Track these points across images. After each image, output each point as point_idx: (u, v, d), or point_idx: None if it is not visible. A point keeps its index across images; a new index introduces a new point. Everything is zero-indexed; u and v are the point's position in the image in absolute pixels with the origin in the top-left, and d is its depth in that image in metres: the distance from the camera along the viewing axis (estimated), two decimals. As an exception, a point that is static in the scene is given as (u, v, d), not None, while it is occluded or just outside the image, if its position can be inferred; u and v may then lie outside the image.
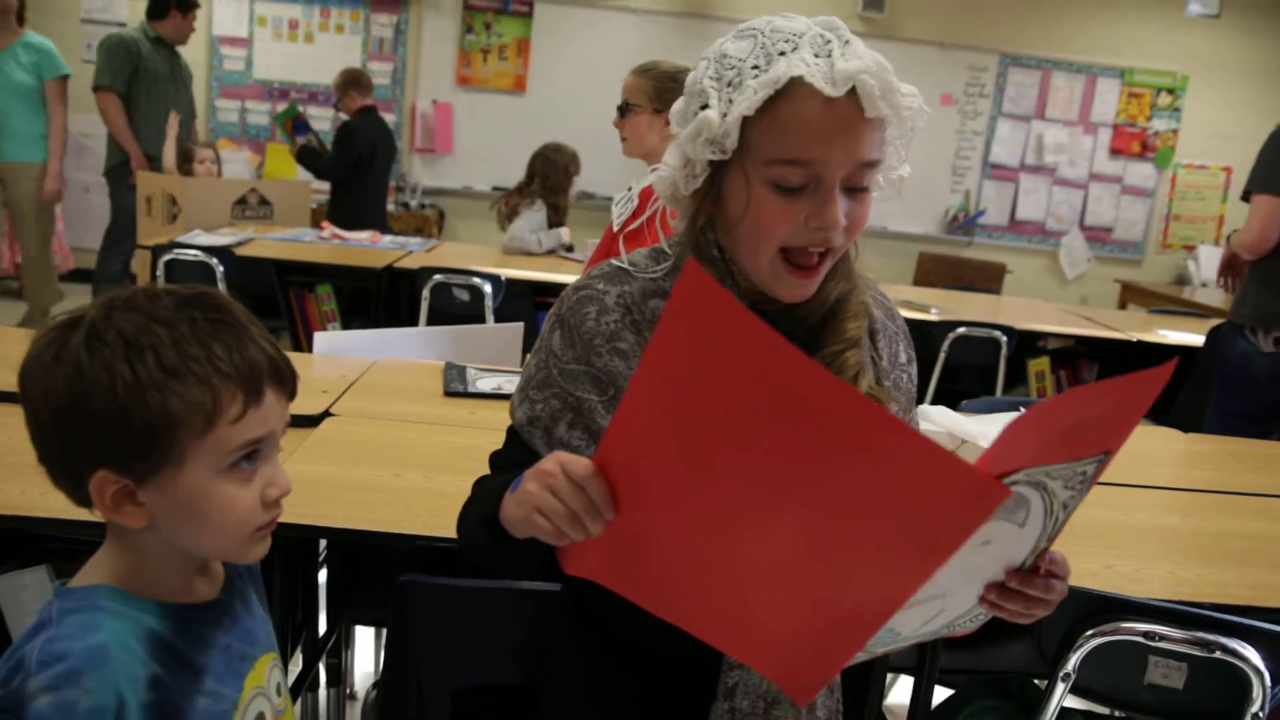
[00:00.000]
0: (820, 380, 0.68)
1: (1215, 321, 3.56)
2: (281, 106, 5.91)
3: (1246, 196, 2.99)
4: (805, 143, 0.93)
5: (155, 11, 4.83)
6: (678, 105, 1.03)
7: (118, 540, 0.88)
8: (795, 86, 0.92)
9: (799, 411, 0.70)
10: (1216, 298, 5.32)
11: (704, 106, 0.97)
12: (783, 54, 0.93)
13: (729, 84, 0.95)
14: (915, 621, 0.87)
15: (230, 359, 0.82)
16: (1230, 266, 3.15)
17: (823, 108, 0.92)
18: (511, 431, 1.12)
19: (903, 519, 0.70)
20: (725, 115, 0.94)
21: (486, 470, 1.16)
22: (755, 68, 0.94)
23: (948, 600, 0.87)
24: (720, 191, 1.00)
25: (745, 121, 0.94)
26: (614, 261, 1.10)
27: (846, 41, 0.95)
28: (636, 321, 1.04)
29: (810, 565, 0.77)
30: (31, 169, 4.68)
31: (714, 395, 0.74)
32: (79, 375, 0.79)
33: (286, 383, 0.88)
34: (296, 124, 5.10)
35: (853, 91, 0.91)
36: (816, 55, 0.93)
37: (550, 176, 4.31)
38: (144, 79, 4.79)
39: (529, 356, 1.11)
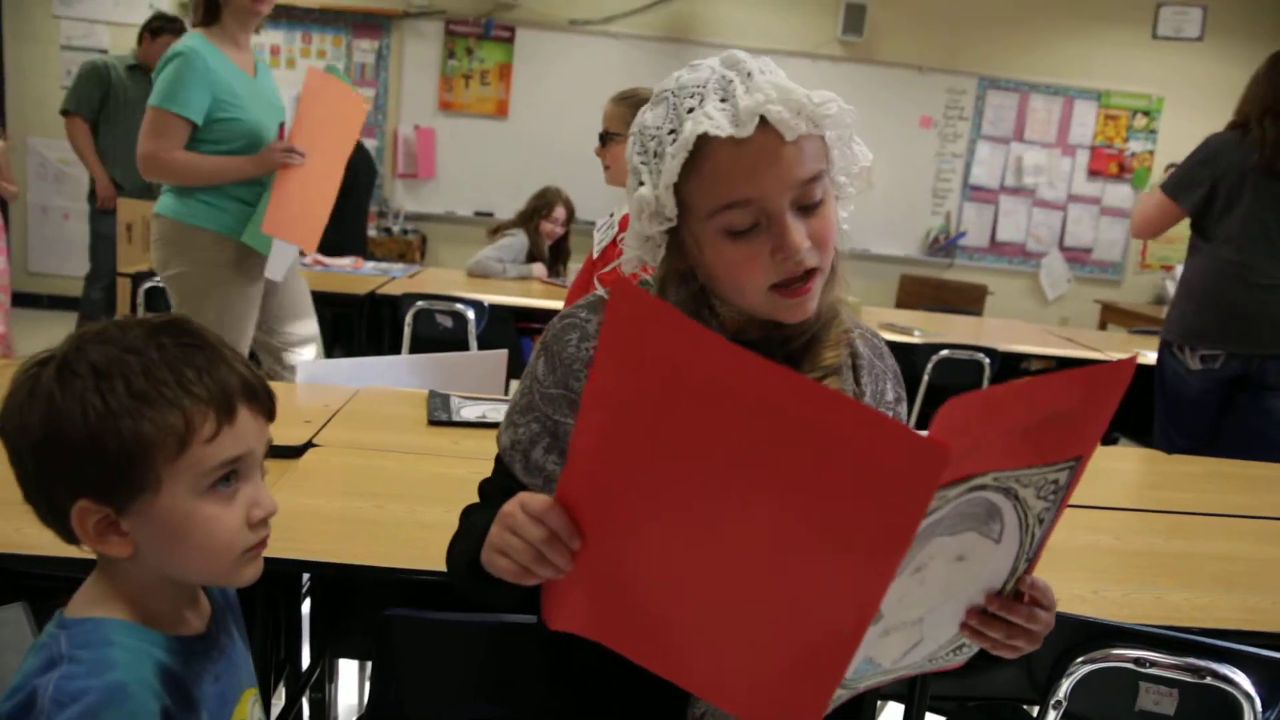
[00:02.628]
0: (755, 366, 0.68)
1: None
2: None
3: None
4: (734, 187, 0.94)
5: (139, 38, 4.84)
6: (629, 184, 1.06)
7: (112, 572, 0.87)
8: (705, 143, 0.94)
9: (742, 404, 0.71)
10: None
11: (640, 183, 1.00)
12: (690, 110, 0.95)
13: (654, 154, 0.98)
14: (895, 651, 0.86)
15: (201, 381, 0.83)
16: None
17: (737, 150, 0.93)
18: (498, 458, 1.13)
19: (856, 502, 0.69)
20: (656, 188, 0.97)
21: (470, 500, 1.16)
22: (672, 132, 0.96)
23: (926, 626, 0.86)
24: (683, 255, 1.03)
25: (676, 187, 0.96)
26: (599, 293, 1.12)
27: (749, 74, 0.95)
28: None
29: (778, 576, 0.76)
30: None
31: (661, 404, 0.75)
32: (52, 408, 0.80)
33: (262, 402, 0.88)
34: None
35: (764, 122, 0.92)
36: (723, 100, 0.94)
37: (528, 208, 4.50)
38: (114, 105, 4.79)
39: (517, 384, 1.13)
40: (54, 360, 0.82)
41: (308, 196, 2.89)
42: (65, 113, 4.79)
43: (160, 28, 4.78)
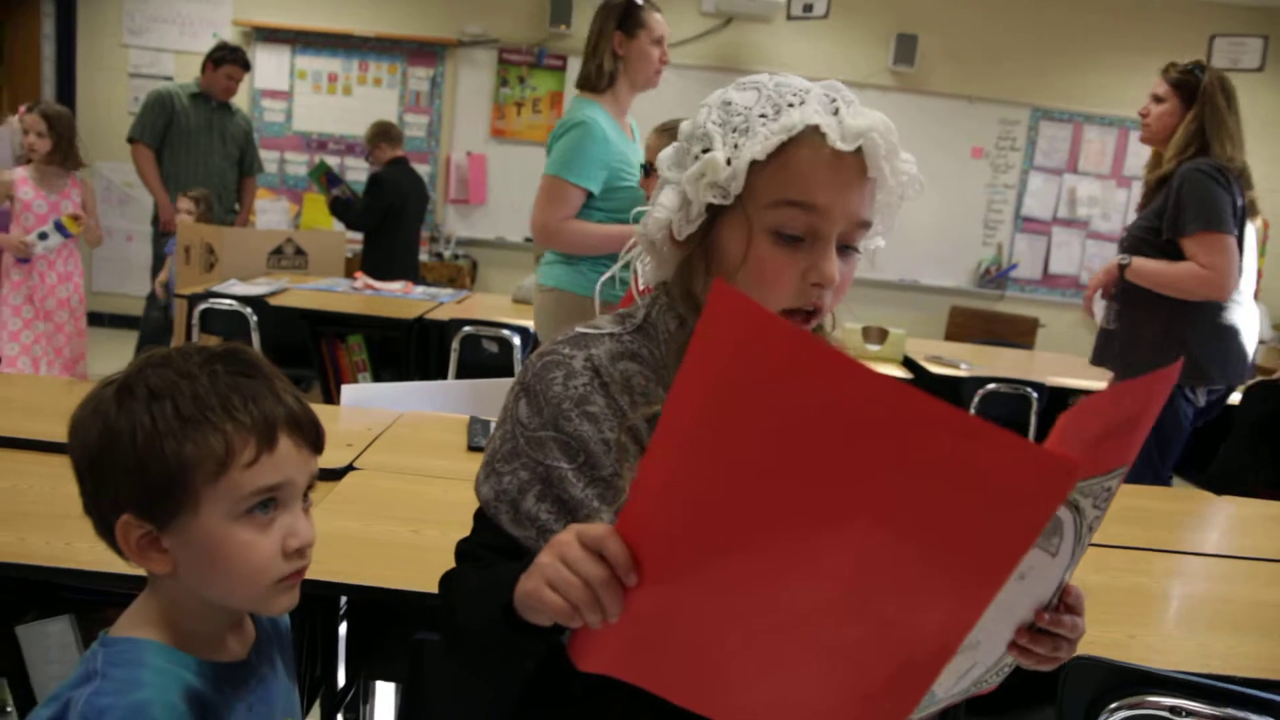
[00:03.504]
0: (871, 380, 0.62)
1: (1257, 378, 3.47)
2: (319, 158, 6.04)
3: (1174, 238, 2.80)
4: (813, 188, 0.92)
5: (202, 67, 5.00)
6: (668, 150, 1.02)
7: (156, 593, 0.90)
8: (809, 134, 0.92)
9: (849, 421, 0.64)
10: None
11: (706, 149, 0.96)
12: (791, 105, 0.94)
13: (735, 130, 0.94)
14: (949, 679, 0.82)
15: (245, 408, 0.85)
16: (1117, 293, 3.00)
17: (832, 158, 0.92)
18: (479, 514, 1.04)
19: (968, 522, 0.64)
20: (731, 160, 0.94)
21: None
22: (763, 115, 0.94)
23: (980, 651, 0.83)
24: (715, 239, 0.98)
25: (752, 166, 0.93)
26: (578, 328, 1.06)
27: (850, 102, 0.96)
28: (606, 384, 0.99)
29: (863, 607, 0.71)
30: None
31: (757, 420, 0.67)
32: (107, 426, 0.84)
33: (307, 434, 0.90)
34: (330, 177, 5.22)
35: (859, 150, 0.92)
36: (824, 111, 0.94)
37: None
38: (178, 132, 4.95)
39: (493, 430, 1.05)
40: (117, 381, 0.86)
41: None
42: (131, 140, 4.96)
43: (222, 58, 4.94)
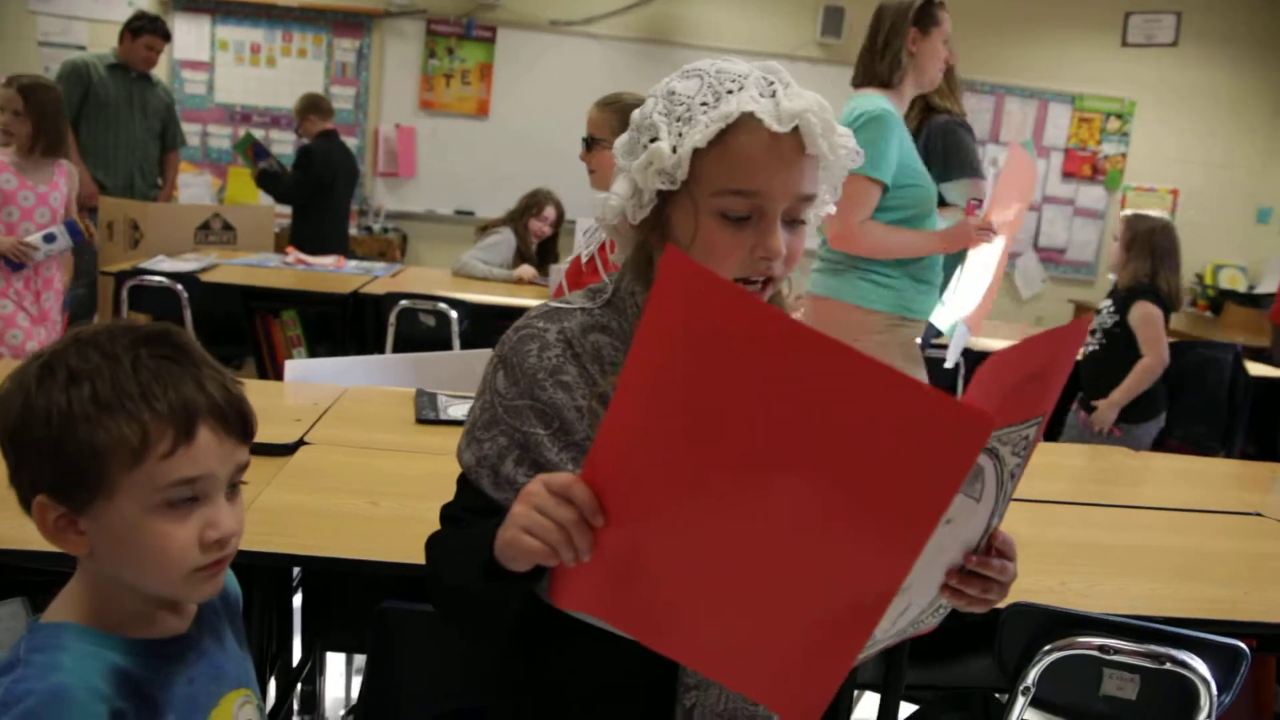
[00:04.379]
0: (806, 336, 0.69)
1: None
2: (244, 130, 5.91)
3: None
4: (752, 174, 0.98)
5: (120, 37, 4.83)
6: (622, 139, 1.07)
7: (84, 575, 0.89)
8: (746, 121, 0.97)
9: (787, 376, 0.71)
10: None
11: (653, 139, 1.00)
12: (730, 92, 0.99)
13: (678, 119, 1.00)
14: (886, 621, 0.86)
15: (165, 396, 0.83)
16: None
17: (769, 142, 0.97)
18: (462, 479, 1.11)
19: (895, 470, 0.70)
20: (676, 147, 0.99)
21: None
22: (704, 104, 0.99)
23: (914, 592, 0.88)
24: (667, 221, 1.03)
25: (695, 153, 0.98)
26: (551, 303, 1.13)
27: (788, 84, 1.01)
28: (578, 355, 1.06)
29: (805, 553, 0.77)
30: None
31: (703, 377, 0.75)
32: (26, 403, 0.83)
33: (232, 425, 0.87)
34: (257, 149, 5.11)
35: (795, 129, 0.98)
36: (761, 95, 0.99)
37: (518, 206, 4.56)
38: (95, 105, 4.77)
39: (473, 401, 1.11)
40: (43, 358, 0.84)
41: (990, 279, 2.70)
42: None
43: (141, 27, 4.77)
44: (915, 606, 0.91)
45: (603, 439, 0.84)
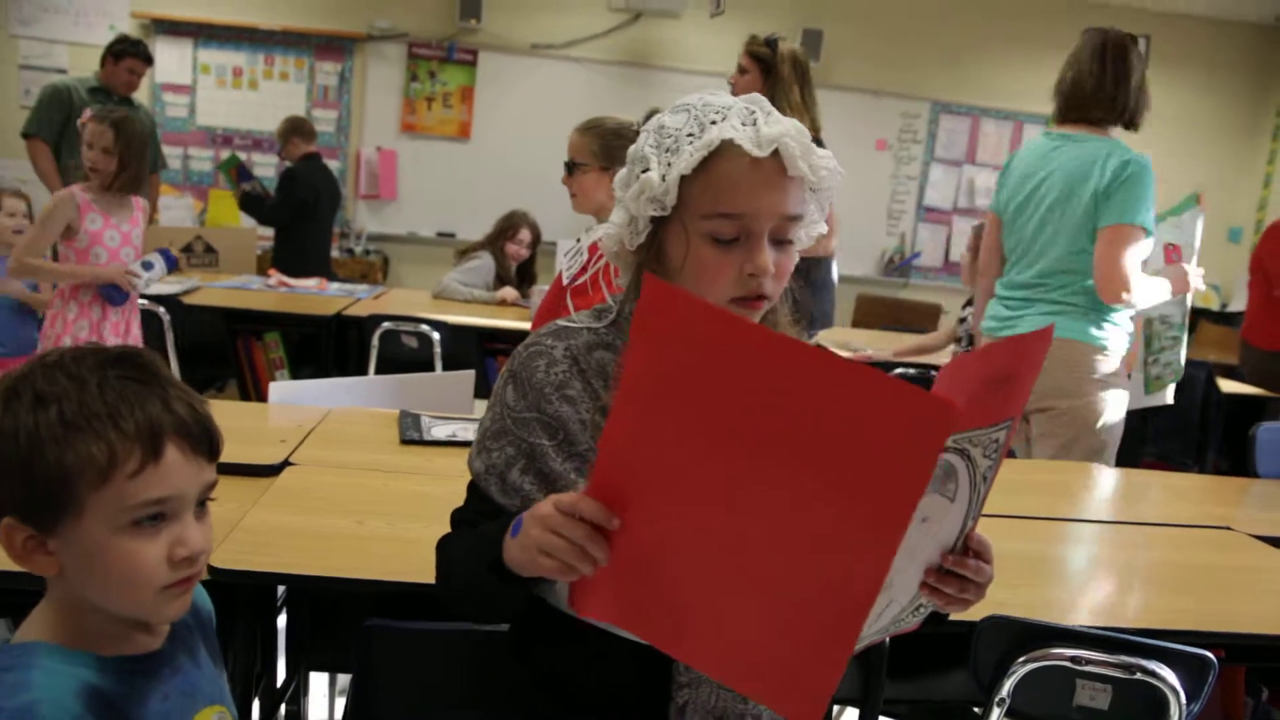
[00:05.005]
0: (776, 341, 0.76)
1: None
2: (225, 154, 5.92)
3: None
4: (736, 198, 1.05)
5: (101, 60, 4.84)
6: (621, 174, 1.14)
7: (54, 595, 0.90)
8: (726, 148, 1.04)
9: (764, 380, 0.77)
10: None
11: (645, 170, 1.08)
12: (714, 122, 1.06)
13: (667, 150, 1.07)
14: (870, 616, 0.89)
15: (132, 416, 0.84)
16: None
17: (750, 166, 1.04)
18: (472, 485, 1.18)
19: (870, 465, 0.75)
20: (665, 176, 1.06)
21: (448, 518, 1.21)
22: (690, 135, 1.06)
23: (895, 589, 0.91)
24: (661, 245, 1.10)
25: (683, 181, 1.05)
26: (560, 322, 1.19)
27: (769, 113, 1.08)
28: (583, 371, 1.13)
29: (797, 552, 0.81)
30: None
31: (690, 389, 0.81)
32: None
33: (199, 443, 0.88)
34: (241, 171, 5.12)
35: (776, 153, 1.04)
36: (743, 123, 1.06)
37: (494, 230, 4.61)
38: (75, 129, 4.76)
39: (484, 412, 1.18)
40: (8, 382, 0.85)
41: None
42: (27, 135, 4.77)
43: (123, 51, 4.78)
44: (896, 604, 0.95)
45: (604, 453, 0.90)
